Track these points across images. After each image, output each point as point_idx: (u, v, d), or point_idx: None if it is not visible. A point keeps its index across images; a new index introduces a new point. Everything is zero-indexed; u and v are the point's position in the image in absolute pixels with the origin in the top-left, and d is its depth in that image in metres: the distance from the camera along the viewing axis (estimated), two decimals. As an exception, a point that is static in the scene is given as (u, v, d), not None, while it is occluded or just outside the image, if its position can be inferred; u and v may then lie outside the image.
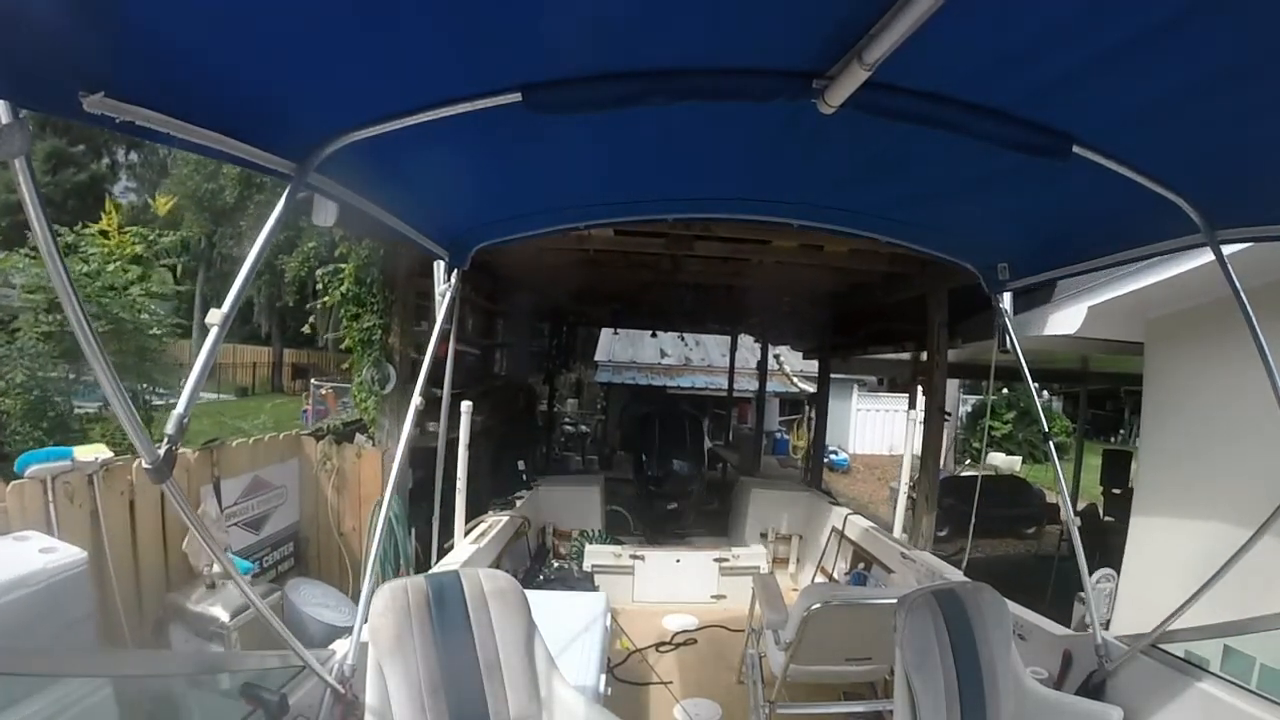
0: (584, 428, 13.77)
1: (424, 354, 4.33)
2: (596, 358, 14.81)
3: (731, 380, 11.30)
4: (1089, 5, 1.12)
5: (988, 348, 4.51)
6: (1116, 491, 7.81)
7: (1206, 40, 1.14)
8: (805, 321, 7.95)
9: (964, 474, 11.26)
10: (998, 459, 12.10)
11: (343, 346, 5.29)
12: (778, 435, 15.45)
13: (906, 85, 1.41)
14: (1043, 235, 2.37)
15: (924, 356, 5.63)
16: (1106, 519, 7.42)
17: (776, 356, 12.06)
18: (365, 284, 5.13)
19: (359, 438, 5.33)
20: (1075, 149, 1.54)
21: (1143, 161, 1.60)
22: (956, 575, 3.35)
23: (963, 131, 1.52)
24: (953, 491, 8.03)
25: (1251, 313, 1.76)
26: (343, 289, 5.22)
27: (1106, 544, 6.83)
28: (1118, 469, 8.05)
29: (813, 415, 6.87)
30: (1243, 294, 1.76)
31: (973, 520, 3.85)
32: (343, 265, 5.29)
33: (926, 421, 4.95)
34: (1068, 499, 2.55)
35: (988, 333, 4.00)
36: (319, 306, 6.11)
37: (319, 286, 5.64)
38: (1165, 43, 1.16)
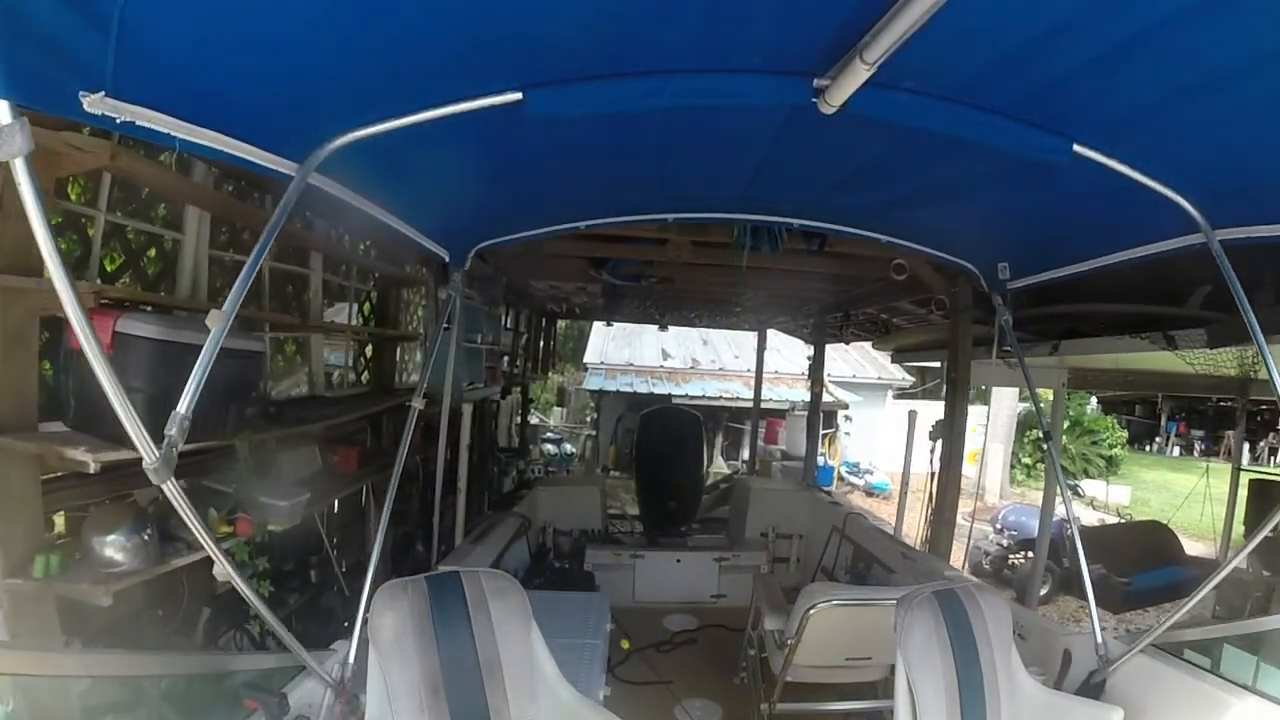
0: (569, 447, 11.99)
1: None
2: (586, 359, 13.04)
3: (759, 388, 8.97)
4: (1088, 5, 1.12)
5: None
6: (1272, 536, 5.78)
7: (1206, 40, 1.14)
8: (919, 300, 5.10)
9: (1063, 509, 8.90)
10: (1095, 489, 9.34)
11: None
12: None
13: (907, 85, 1.41)
14: (1043, 235, 2.37)
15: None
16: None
17: (809, 358, 9.85)
18: None
19: None
20: (1075, 149, 1.54)
21: (1143, 161, 1.60)
22: (956, 575, 3.35)
23: (963, 131, 1.52)
24: (1093, 552, 6.42)
25: (1251, 313, 1.76)
26: None
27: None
28: (1269, 506, 5.98)
29: (937, 445, 4.60)
30: (1243, 294, 1.76)
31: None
32: None
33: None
34: (1071, 507, 2.52)
35: None
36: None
37: None
38: (1165, 43, 1.17)
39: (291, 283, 3.45)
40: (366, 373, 4.38)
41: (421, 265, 4.66)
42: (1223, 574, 1.88)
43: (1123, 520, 8.15)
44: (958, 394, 4.31)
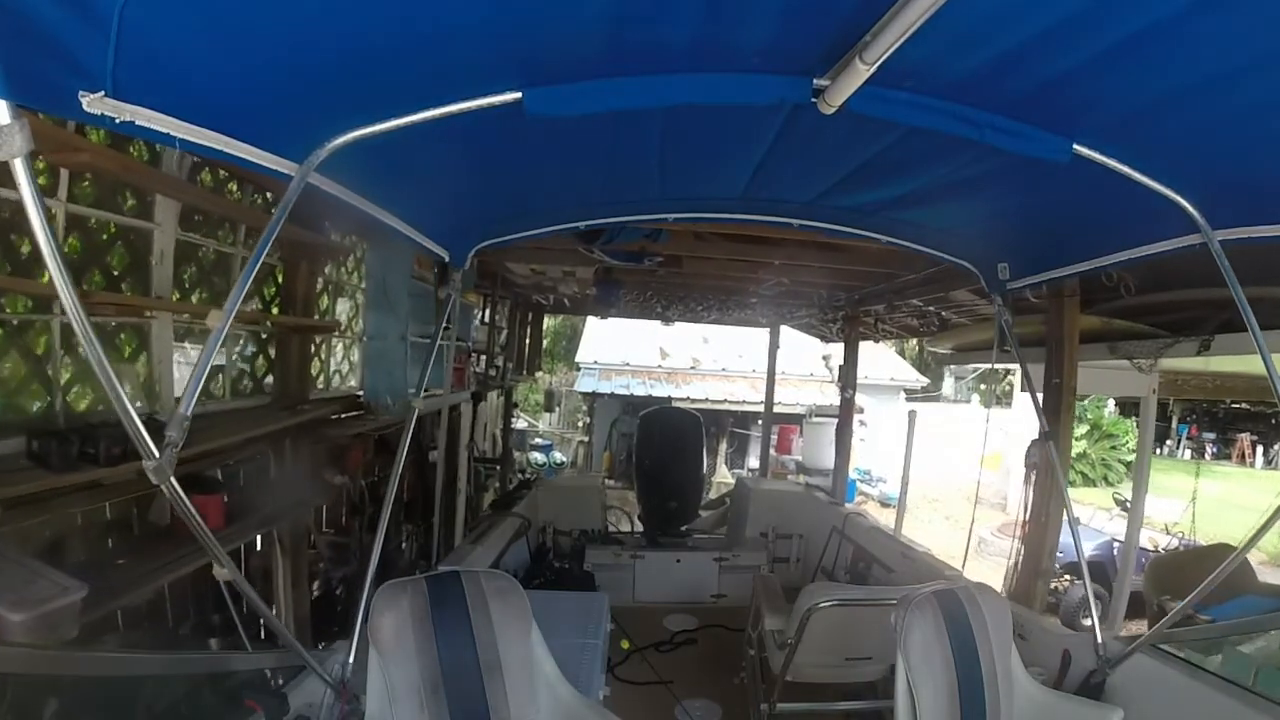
0: (560, 455, 11.51)
1: None
2: (579, 359, 12.51)
3: (770, 390, 8.14)
4: (1089, 5, 1.12)
5: None
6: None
7: (1206, 40, 1.14)
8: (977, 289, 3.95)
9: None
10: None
11: None
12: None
13: (907, 85, 1.41)
14: (1043, 235, 2.37)
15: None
16: None
17: (826, 358, 9.10)
18: None
19: None
20: (1075, 149, 1.54)
21: (1143, 161, 1.61)
22: (956, 575, 3.35)
23: (963, 131, 1.52)
24: (1167, 584, 5.17)
25: (1251, 313, 1.76)
26: None
27: None
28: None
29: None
30: (1242, 295, 1.76)
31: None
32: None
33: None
34: (1072, 513, 2.50)
35: None
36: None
37: None
38: (1165, 43, 1.17)
39: (123, 242, 2.19)
40: (270, 377, 3.14)
41: (360, 238, 3.54)
42: (1218, 575, 1.89)
43: (1174, 537, 7.47)
44: (1063, 404, 3.09)
